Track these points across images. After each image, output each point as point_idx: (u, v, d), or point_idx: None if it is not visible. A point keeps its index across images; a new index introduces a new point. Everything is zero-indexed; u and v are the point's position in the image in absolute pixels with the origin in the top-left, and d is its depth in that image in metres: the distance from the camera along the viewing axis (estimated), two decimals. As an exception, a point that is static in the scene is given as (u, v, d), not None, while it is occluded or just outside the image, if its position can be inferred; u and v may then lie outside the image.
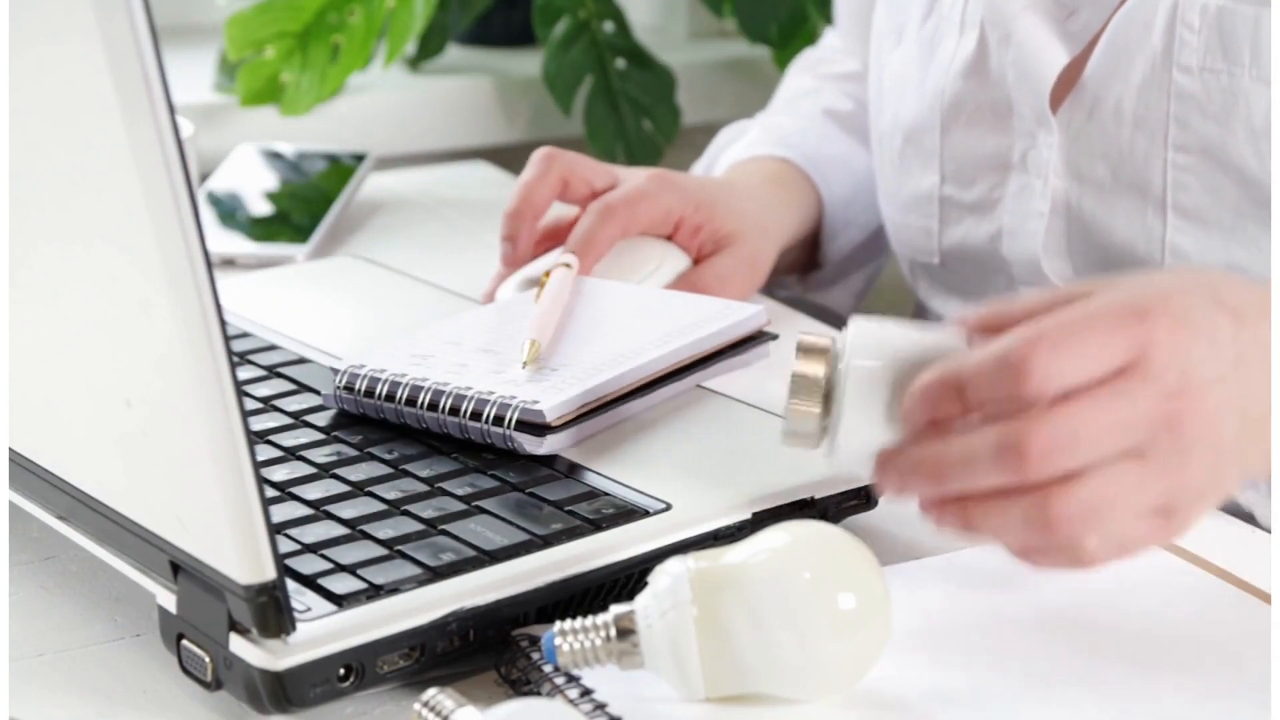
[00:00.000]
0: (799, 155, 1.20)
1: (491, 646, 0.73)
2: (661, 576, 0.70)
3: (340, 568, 0.74)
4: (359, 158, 1.36)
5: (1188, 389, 0.71)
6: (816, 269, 1.24)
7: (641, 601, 0.70)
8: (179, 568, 0.71)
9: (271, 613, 0.67)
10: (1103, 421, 0.70)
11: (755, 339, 0.94)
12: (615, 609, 0.70)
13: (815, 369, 0.74)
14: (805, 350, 0.75)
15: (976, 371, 0.71)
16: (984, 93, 1.06)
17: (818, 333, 0.76)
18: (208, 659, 0.70)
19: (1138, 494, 0.71)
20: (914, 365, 0.73)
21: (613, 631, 0.69)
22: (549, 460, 0.84)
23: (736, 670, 0.69)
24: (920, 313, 1.23)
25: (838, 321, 1.23)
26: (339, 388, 0.88)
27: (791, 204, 1.18)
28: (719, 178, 1.19)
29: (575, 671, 0.70)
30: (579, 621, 0.70)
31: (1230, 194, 0.97)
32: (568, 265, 0.98)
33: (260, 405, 0.89)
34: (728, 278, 1.08)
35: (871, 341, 0.74)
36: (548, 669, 0.71)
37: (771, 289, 1.22)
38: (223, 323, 0.64)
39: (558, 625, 0.70)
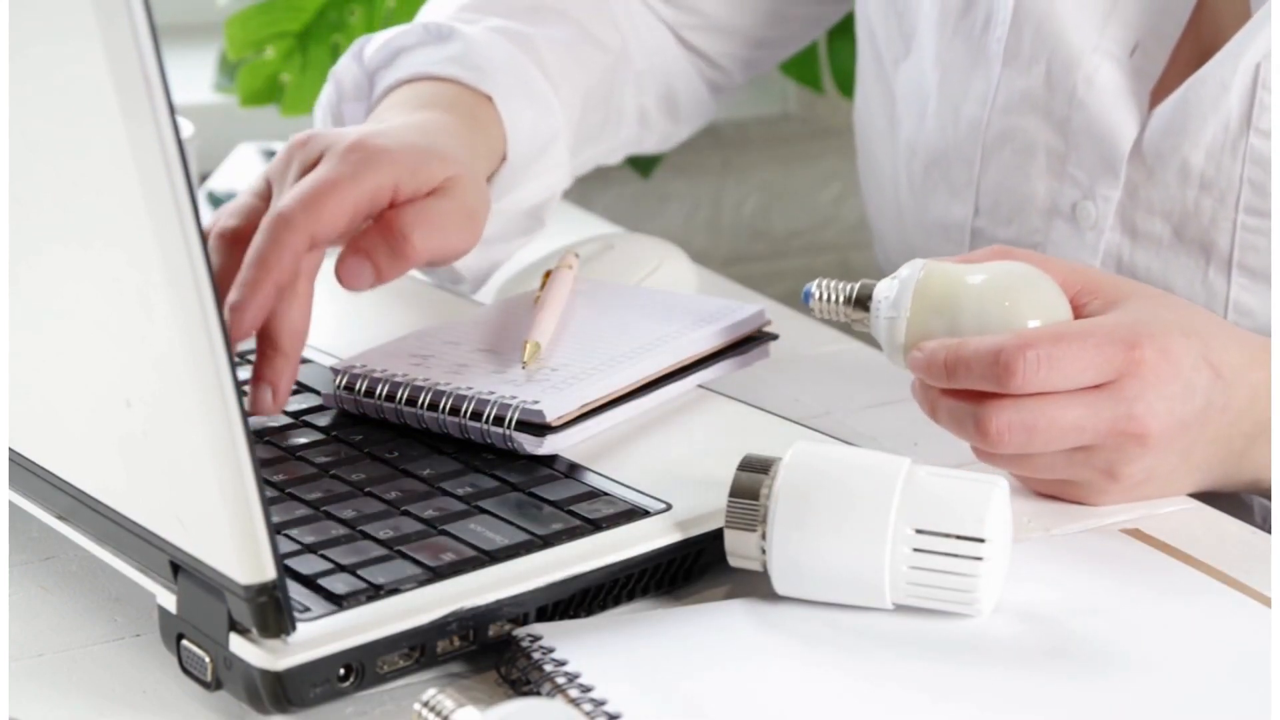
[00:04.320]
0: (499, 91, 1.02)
1: (491, 646, 0.73)
2: (904, 267, 0.84)
3: (340, 568, 0.74)
4: (359, 158, 1.36)
5: (1149, 418, 0.82)
6: None
7: (881, 285, 0.85)
8: (179, 568, 0.71)
9: (271, 613, 0.67)
10: (1061, 421, 0.81)
11: (755, 339, 0.94)
12: (864, 281, 0.86)
13: (751, 490, 0.76)
14: (743, 468, 0.77)
15: (971, 358, 0.81)
16: (1041, 134, 1.02)
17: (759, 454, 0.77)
18: (208, 659, 0.70)
19: (1070, 441, 0.82)
20: (846, 483, 0.75)
21: (854, 298, 0.86)
22: (549, 460, 0.84)
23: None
24: None
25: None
26: (339, 388, 0.88)
27: (490, 149, 1.01)
28: (418, 122, 0.96)
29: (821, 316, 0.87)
30: (833, 282, 0.86)
31: None
32: (568, 266, 0.98)
33: (260, 405, 0.89)
34: (440, 222, 0.89)
35: (807, 460, 0.76)
36: (548, 668, 0.71)
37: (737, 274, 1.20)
38: (223, 323, 0.64)
39: (818, 280, 0.86)
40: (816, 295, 0.87)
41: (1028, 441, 0.81)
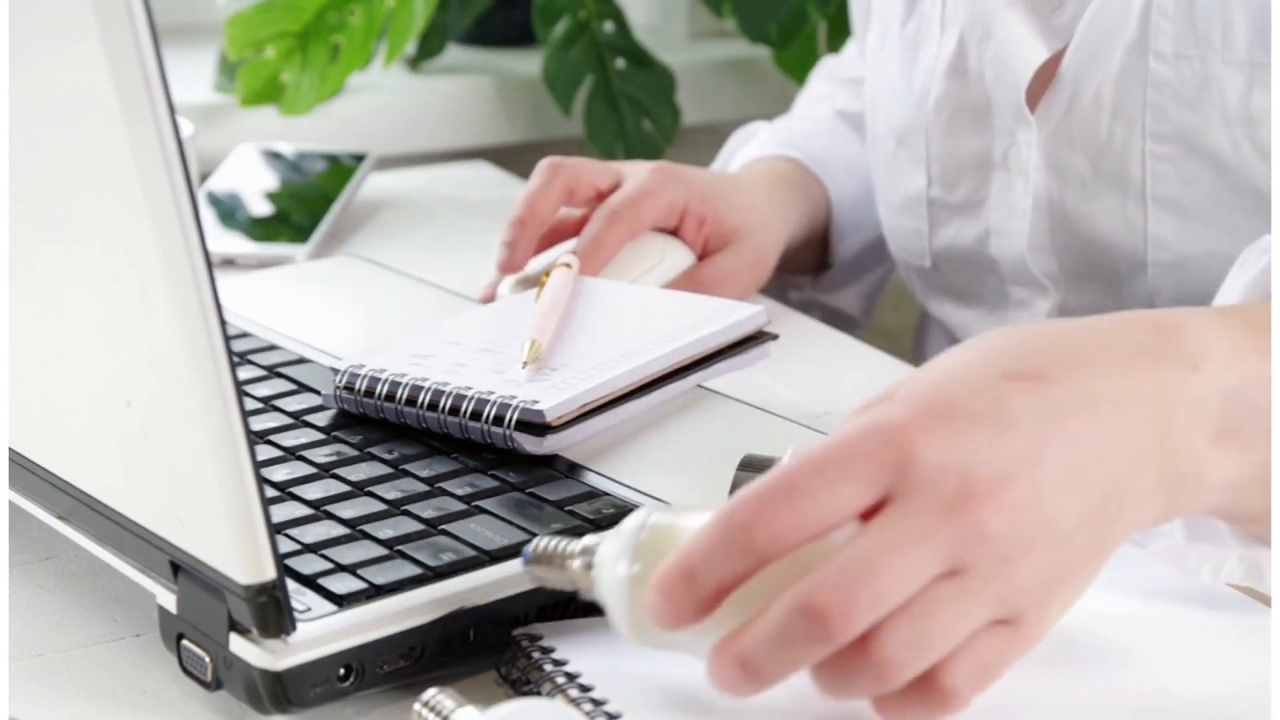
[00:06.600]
0: (806, 155, 1.21)
1: (491, 646, 0.73)
2: (627, 521, 0.69)
3: (340, 568, 0.74)
4: (359, 158, 1.36)
5: (975, 488, 0.63)
6: (827, 269, 1.24)
7: (605, 543, 0.69)
8: (179, 568, 0.71)
9: (271, 613, 0.67)
10: (896, 559, 0.62)
11: (755, 339, 0.94)
12: (588, 539, 0.70)
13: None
14: (743, 468, 0.74)
15: (702, 548, 0.64)
16: (964, 92, 1.07)
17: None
18: (208, 659, 0.70)
19: (964, 615, 0.63)
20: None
21: (576, 563, 0.70)
22: (549, 460, 0.84)
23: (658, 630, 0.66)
24: (925, 320, 1.23)
25: (848, 324, 1.24)
26: (339, 388, 0.88)
27: (797, 202, 1.19)
28: (725, 173, 1.19)
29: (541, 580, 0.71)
30: (558, 542, 0.70)
31: (1206, 181, 0.98)
32: (568, 265, 0.98)
33: (260, 405, 0.89)
34: (730, 275, 1.09)
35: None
36: (548, 668, 0.71)
37: (784, 290, 1.22)
38: (223, 323, 0.64)
39: (543, 540, 0.71)
40: (536, 558, 0.71)
41: (874, 598, 0.62)
